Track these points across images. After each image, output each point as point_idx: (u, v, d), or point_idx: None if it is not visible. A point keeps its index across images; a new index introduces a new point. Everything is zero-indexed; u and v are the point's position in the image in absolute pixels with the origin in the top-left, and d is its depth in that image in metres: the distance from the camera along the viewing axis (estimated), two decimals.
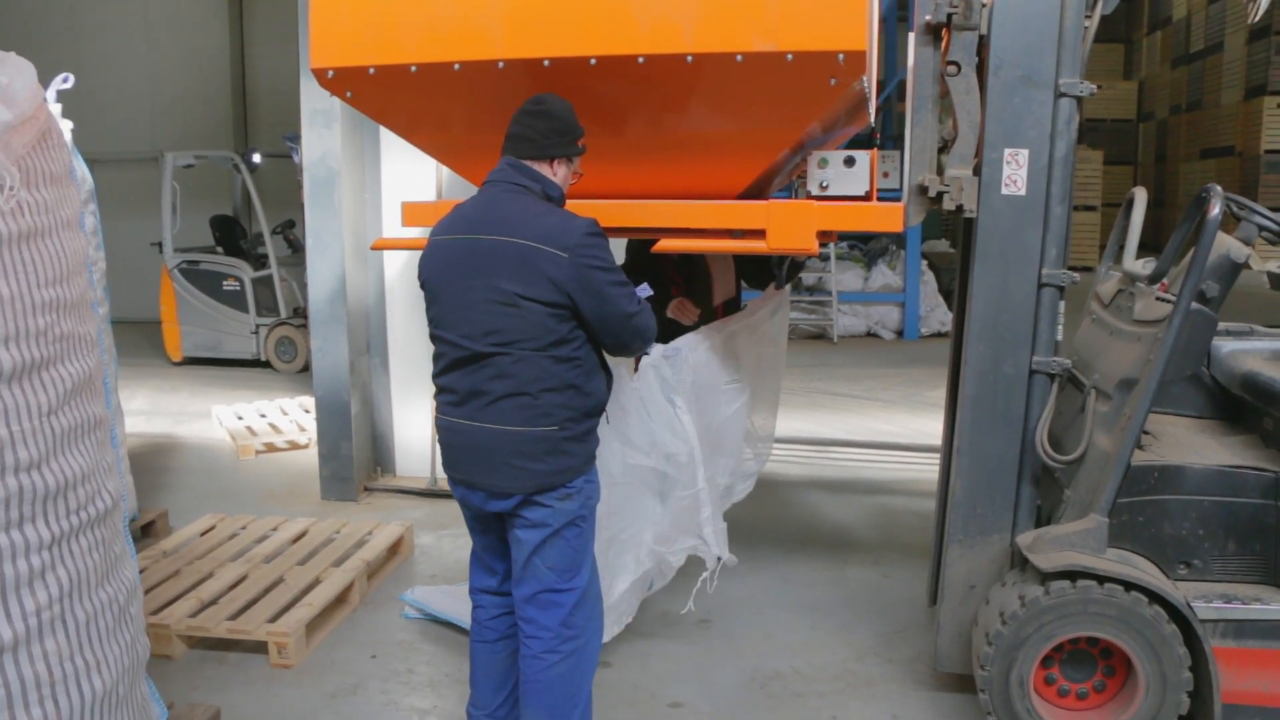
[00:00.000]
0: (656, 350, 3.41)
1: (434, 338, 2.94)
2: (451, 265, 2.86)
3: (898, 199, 3.37)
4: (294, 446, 6.99)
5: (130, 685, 2.39)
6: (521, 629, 2.96)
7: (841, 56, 2.91)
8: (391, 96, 3.41)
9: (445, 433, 2.95)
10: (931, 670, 3.61)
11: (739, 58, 2.96)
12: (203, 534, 4.93)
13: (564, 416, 2.82)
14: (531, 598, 2.92)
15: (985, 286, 3.21)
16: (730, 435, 4.12)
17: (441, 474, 5.76)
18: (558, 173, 2.94)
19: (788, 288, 4.77)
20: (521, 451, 2.80)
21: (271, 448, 6.97)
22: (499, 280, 2.76)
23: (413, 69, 3.22)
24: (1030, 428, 3.24)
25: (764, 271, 4.68)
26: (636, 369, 3.44)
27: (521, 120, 2.92)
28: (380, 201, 5.81)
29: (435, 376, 2.96)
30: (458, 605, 4.18)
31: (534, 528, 2.87)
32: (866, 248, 12.25)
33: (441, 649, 3.98)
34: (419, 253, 3.00)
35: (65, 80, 3.19)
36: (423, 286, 2.96)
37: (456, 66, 3.19)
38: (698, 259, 4.55)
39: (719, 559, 3.62)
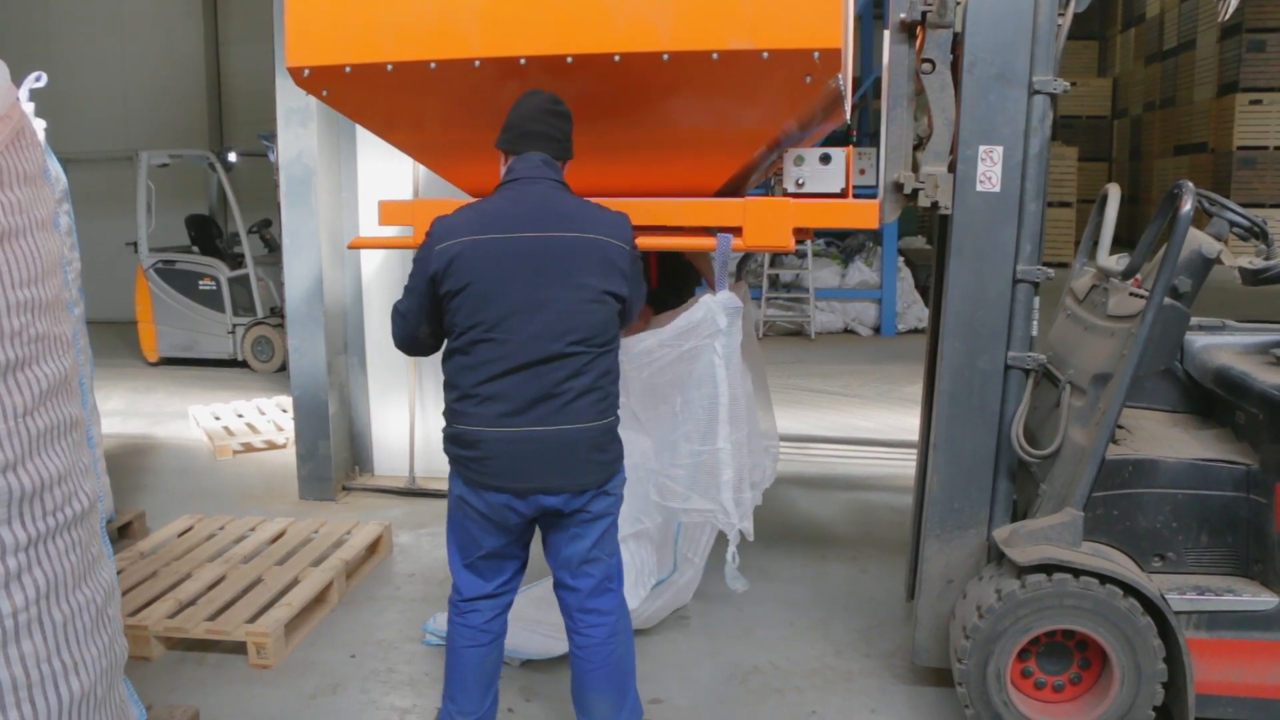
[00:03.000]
0: (723, 294, 3.32)
1: (480, 342, 2.75)
2: (515, 265, 2.72)
3: (874, 196, 3.39)
4: (271, 446, 6.96)
5: (109, 687, 2.38)
6: (581, 621, 2.96)
7: (817, 54, 2.93)
8: (368, 95, 3.41)
9: (503, 444, 2.76)
10: (909, 664, 3.63)
11: (715, 56, 2.98)
12: (180, 535, 4.91)
13: (616, 404, 2.90)
14: (594, 590, 2.95)
15: (960, 283, 3.23)
16: (748, 413, 4.04)
17: (420, 473, 5.82)
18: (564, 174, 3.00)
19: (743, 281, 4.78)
20: (597, 445, 2.83)
21: (249, 448, 6.93)
22: (585, 277, 2.74)
23: (389, 67, 3.22)
24: (1006, 423, 3.27)
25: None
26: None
27: (545, 120, 2.91)
28: (357, 200, 5.77)
29: (477, 384, 2.76)
30: None
31: (598, 520, 2.90)
32: (843, 244, 12.30)
33: (420, 648, 3.97)
34: (396, 251, 2.99)
35: (38, 79, 3.16)
36: (458, 290, 2.75)
37: (433, 65, 3.19)
38: (677, 256, 4.55)
39: (740, 532, 3.42)
